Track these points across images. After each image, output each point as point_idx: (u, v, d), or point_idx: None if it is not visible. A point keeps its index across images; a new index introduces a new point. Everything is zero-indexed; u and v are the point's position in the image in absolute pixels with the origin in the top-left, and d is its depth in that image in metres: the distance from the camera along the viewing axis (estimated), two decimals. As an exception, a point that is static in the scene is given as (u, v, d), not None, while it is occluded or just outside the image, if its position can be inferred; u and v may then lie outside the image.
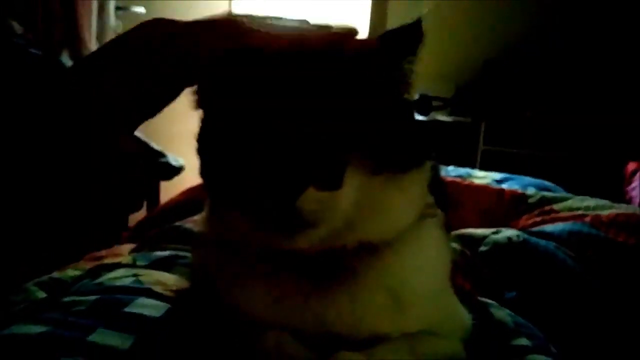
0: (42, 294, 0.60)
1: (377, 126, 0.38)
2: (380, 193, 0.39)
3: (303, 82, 0.37)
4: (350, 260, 0.40)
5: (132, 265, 0.61)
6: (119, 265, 0.60)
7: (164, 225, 0.92)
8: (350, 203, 0.37)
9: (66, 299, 0.47)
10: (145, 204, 1.56)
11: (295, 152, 0.35)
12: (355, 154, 0.37)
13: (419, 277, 0.43)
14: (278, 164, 0.34)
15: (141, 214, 1.36)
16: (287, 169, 0.34)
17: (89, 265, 0.70)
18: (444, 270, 0.45)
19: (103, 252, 0.78)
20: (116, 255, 0.74)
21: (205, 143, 0.41)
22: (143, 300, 0.45)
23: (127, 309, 0.44)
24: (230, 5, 2.70)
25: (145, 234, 0.93)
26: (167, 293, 0.48)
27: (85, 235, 0.49)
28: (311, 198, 0.34)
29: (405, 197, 0.40)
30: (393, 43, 0.40)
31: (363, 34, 2.82)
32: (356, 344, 0.39)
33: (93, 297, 0.46)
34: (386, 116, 0.39)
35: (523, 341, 0.52)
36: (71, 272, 0.66)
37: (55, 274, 0.65)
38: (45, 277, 0.64)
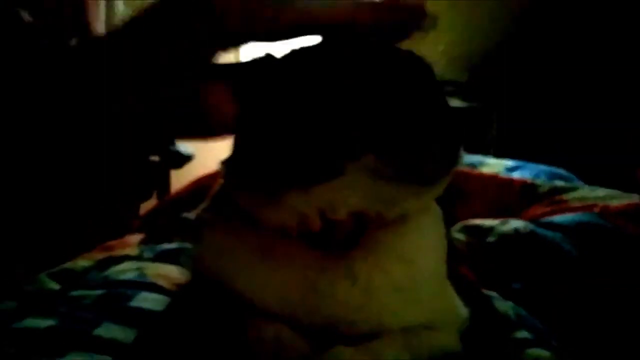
0: (53, 284, 0.62)
1: None
2: None
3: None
4: (367, 235, 0.39)
5: (139, 257, 0.62)
6: (126, 258, 0.61)
7: (173, 216, 0.93)
8: None
9: (74, 293, 0.48)
10: (155, 192, 1.56)
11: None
12: None
13: (428, 259, 0.43)
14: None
15: (152, 202, 1.37)
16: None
17: (99, 255, 0.71)
18: (443, 261, 0.45)
19: (114, 243, 0.79)
20: (125, 246, 0.76)
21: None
22: (146, 294, 0.47)
23: (131, 303, 0.45)
24: None
25: (155, 225, 0.95)
26: (170, 286, 0.49)
27: (97, 224, 0.49)
28: None
29: None
30: None
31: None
32: (352, 340, 0.39)
33: (99, 291, 0.47)
34: None
35: (524, 334, 0.52)
36: (82, 263, 0.68)
37: (67, 265, 0.67)
38: (57, 268, 0.66)
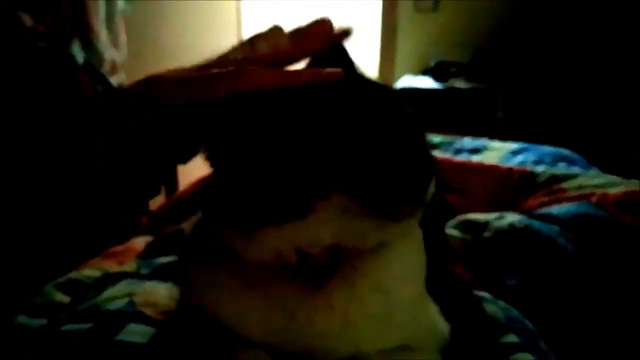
0: (59, 296, 0.64)
1: None
2: None
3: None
4: (344, 264, 0.40)
5: (136, 274, 0.64)
6: (123, 276, 0.63)
7: (179, 217, 0.95)
8: None
9: (65, 328, 0.50)
10: (163, 188, 1.58)
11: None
12: None
13: (405, 287, 0.43)
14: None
15: (160, 197, 1.39)
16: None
17: (104, 264, 0.73)
18: (422, 284, 0.46)
19: (119, 249, 0.81)
20: (129, 253, 0.78)
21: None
22: (133, 326, 0.49)
23: (118, 337, 0.47)
24: (238, 5, 2.70)
25: (161, 226, 0.97)
26: (156, 315, 0.51)
27: (102, 223, 0.50)
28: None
29: None
30: None
31: (375, 33, 2.70)
32: None
33: (88, 325, 0.49)
34: None
35: (512, 338, 0.53)
36: (87, 272, 0.70)
37: (73, 275, 0.69)
38: (63, 279, 0.68)
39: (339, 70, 0.38)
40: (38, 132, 0.41)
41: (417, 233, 0.46)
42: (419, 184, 0.37)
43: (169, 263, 0.64)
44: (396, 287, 0.42)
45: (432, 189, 0.38)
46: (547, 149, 1.42)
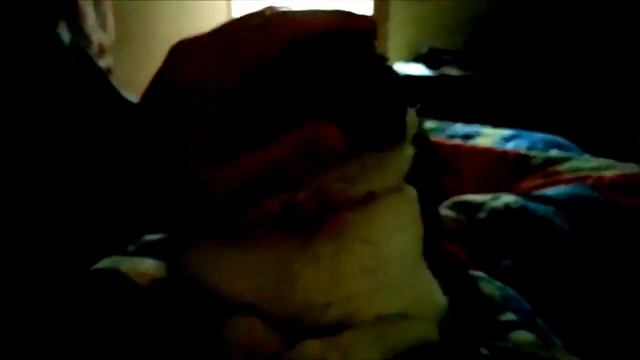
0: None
1: None
2: None
3: None
4: (333, 216, 0.39)
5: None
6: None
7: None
8: None
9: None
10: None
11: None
12: None
13: (396, 241, 0.42)
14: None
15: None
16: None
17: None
18: (417, 243, 0.44)
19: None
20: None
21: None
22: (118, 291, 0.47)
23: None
24: (229, 5, 2.67)
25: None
26: (144, 283, 0.49)
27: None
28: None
29: None
30: None
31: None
32: (323, 334, 0.38)
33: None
34: None
35: (509, 316, 0.52)
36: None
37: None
38: None
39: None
40: (29, 122, 0.39)
41: (411, 192, 0.44)
42: (393, 112, 0.37)
43: (157, 240, 0.62)
44: (387, 241, 0.41)
45: (412, 122, 0.38)
46: (540, 135, 1.40)
